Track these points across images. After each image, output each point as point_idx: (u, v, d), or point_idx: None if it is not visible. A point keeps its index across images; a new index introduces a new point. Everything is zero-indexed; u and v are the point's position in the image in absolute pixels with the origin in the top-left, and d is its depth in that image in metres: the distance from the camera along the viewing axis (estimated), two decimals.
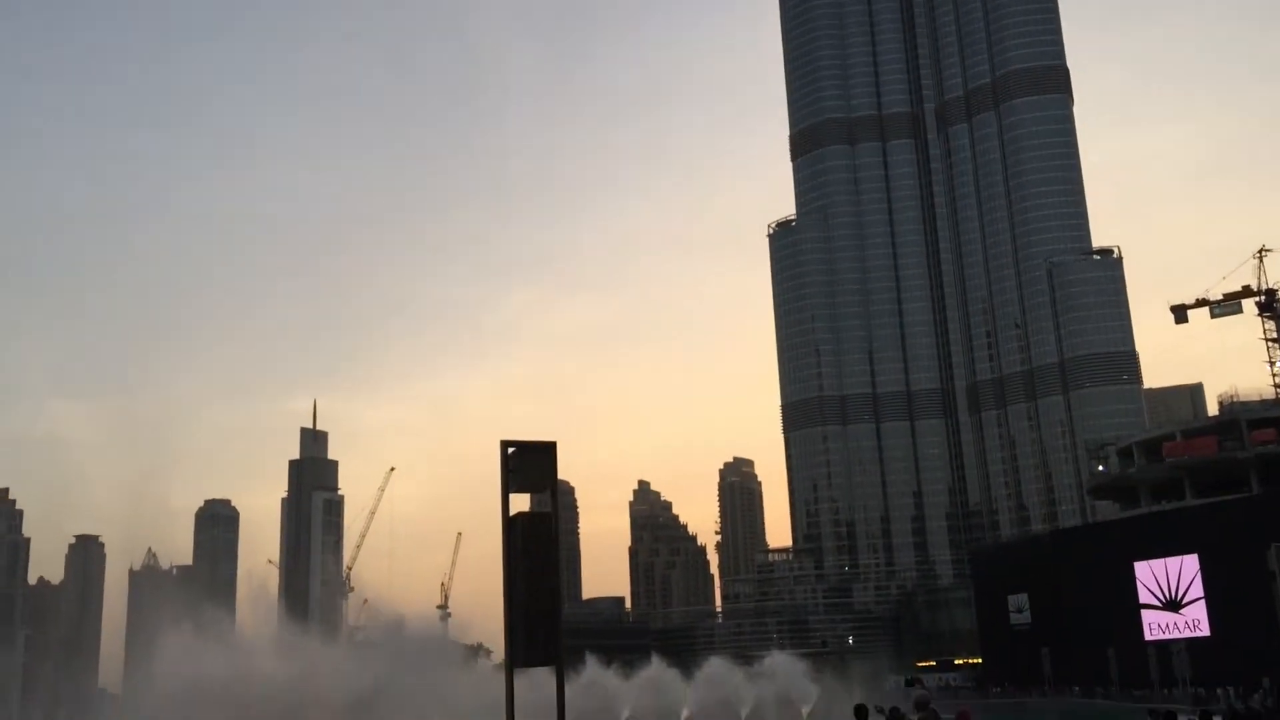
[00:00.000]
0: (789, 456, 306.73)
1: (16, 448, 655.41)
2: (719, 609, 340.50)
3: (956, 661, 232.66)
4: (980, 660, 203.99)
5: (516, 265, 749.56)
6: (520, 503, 22.00)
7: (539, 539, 19.91)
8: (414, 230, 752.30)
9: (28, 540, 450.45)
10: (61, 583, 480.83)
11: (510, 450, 20.43)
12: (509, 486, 20.31)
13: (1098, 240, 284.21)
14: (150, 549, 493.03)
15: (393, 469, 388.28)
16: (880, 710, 19.31)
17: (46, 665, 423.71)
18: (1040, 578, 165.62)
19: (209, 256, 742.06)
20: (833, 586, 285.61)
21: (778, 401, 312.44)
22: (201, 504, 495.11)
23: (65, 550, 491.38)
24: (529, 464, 20.36)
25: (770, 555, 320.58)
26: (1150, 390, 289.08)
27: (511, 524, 19.98)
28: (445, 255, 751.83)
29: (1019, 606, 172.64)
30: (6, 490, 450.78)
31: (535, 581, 19.56)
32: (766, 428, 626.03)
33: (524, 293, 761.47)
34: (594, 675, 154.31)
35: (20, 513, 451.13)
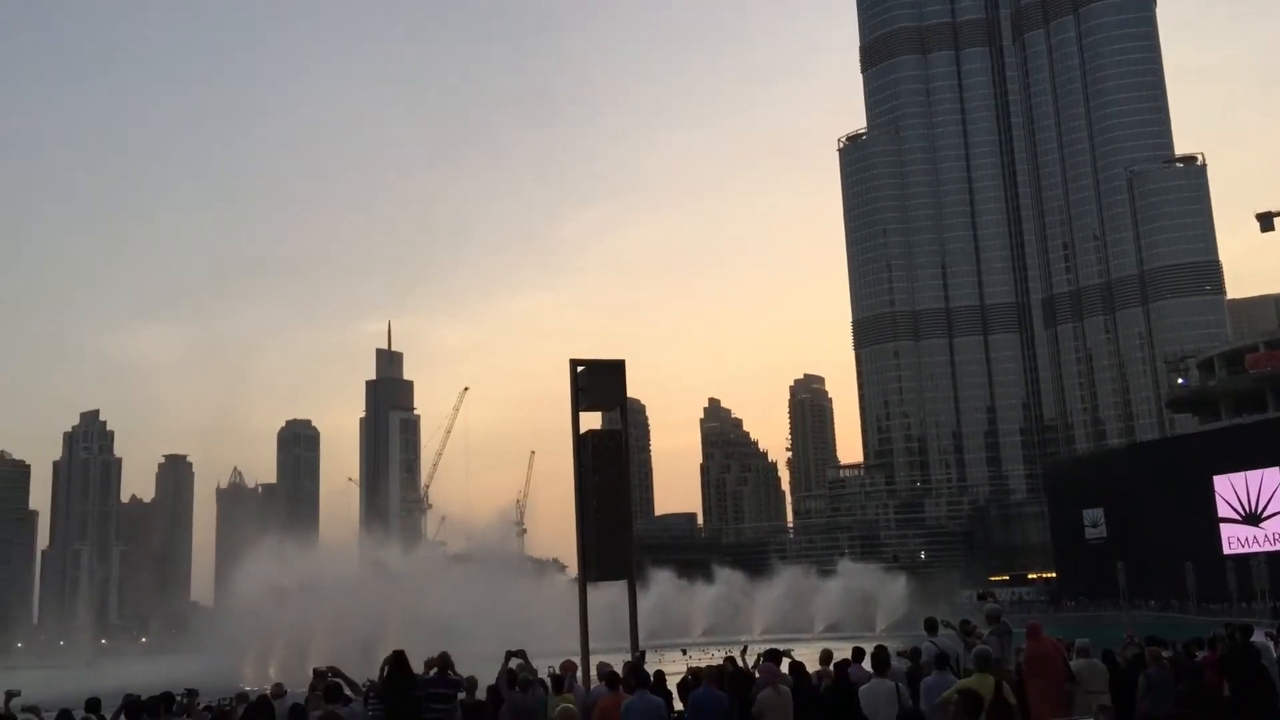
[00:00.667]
0: (860, 373, 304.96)
1: (105, 371, 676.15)
2: (790, 524, 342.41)
3: (1030, 576, 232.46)
4: (1054, 574, 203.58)
5: (586, 184, 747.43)
6: (591, 420, 22.34)
7: (609, 456, 20.26)
8: (484, 152, 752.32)
9: (119, 460, 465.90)
10: (153, 501, 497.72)
11: (579, 369, 20.70)
12: (579, 405, 20.63)
13: (1180, 147, 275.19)
14: (236, 468, 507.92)
15: (466, 388, 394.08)
16: (949, 624, 19.41)
17: (141, 579, 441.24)
18: (1116, 492, 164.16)
19: (285, 182, 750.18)
20: (904, 502, 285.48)
21: (848, 317, 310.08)
22: (283, 424, 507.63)
23: (155, 470, 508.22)
24: (598, 382, 20.63)
25: (841, 471, 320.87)
26: (1233, 301, 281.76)
27: (582, 442, 20.32)
28: (516, 176, 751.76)
29: (1094, 521, 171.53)
30: (97, 412, 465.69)
31: (606, 498, 19.94)
32: (837, 344, 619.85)
33: (594, 212, 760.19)
34: (667, 589, 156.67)
35: (111, 434, 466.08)
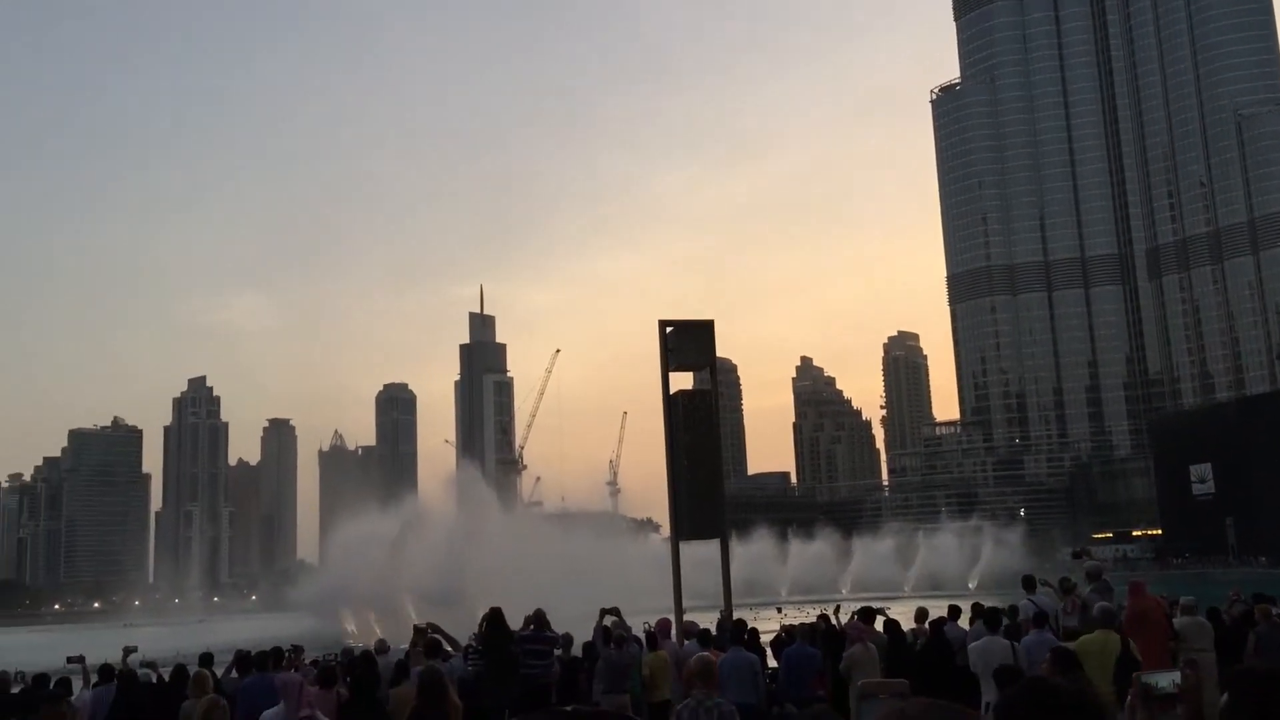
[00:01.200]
0: (956, 328, 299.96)
1: (209, 338, 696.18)
2: (885, 482, 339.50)
3: (1134, 533, 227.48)
4: (1159, 531, 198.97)
5: (673, 143, 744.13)
6: (681, 381, 22.37)
7: (699, 416, 20.29)
8: (574, 112, 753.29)
9: (226, 425, 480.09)
10: (258, 463, 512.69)
11: (668, 329, 20.71)
12: (668, 365, 20.67)
13: None
14: (337, 431, 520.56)
15: (558, 350, 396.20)
16: (1047, 582, 19.11)
17: (250, 538, 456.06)
18: (1225, 446, 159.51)
19: (376, 148, 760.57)
20: (1002, 459, 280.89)
21: (943, 272, 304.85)
22: (380, 388, 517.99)
23: (260, 433, 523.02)
24: (687, 342, 20.64)
25: (937, 428, 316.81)
26: None
27: (672, 402, 20.38)
28: (606, 136, 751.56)
29: (1201, 476, 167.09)
30: (204, 378, 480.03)
31: (697, 457, 20.00)
32: (931, 299, 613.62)
33: (682, 170, 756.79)
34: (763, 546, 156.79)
35: (218, 399, 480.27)
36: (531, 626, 17.36)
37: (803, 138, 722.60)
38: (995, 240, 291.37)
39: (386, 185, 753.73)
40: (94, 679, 16.92)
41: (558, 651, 17.40)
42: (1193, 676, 11.54)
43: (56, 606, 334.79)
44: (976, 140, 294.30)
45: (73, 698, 14.38)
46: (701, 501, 19.87)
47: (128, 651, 17.58)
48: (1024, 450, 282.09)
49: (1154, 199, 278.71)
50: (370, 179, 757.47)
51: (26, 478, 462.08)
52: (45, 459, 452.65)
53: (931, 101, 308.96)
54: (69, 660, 18.84)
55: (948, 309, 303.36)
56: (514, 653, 16.44)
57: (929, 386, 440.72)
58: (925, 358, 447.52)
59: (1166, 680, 3.26)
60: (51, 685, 15.39)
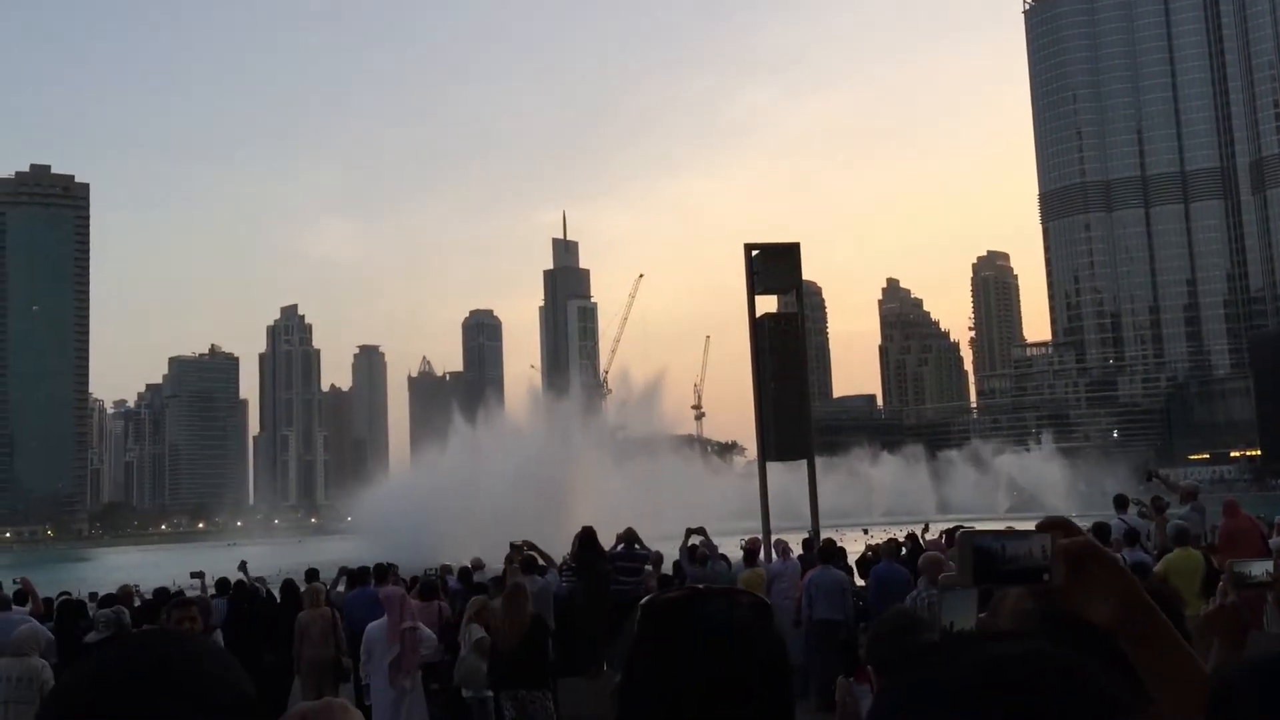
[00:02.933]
0: (1048, 247, 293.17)
1: (300, 266, 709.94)
2: (974, 405, 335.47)
3: (1232, 454, 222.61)
4: (1258, 452, 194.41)
5: (757, 63, 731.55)
6: (767, 304, 22.39)
7: (785, 339, 20.35)
8: (654, 34, 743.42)
9: (318, 351, 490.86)
10: (350, 389, 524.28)
11: (754, 253, 20.71)
12: (754, 289, 20.70)
13: None
14: (425, 357, 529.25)
15: (641, 275, 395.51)
16: (1140, 502, 18.98)
17: (343, 462, 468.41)
18: None
19: (459, 76, 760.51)
20: (1095, 380, 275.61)
21: (1035, 189, 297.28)
22: (467, 314, 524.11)
23: (350, 360, 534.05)
24: (773, 266, 20.62)
25: (1028, 349, 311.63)
26: None
27: (758, 325, 20.45)
28: (686, 57, 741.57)
29: None
30: (295, 306, 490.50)
31: (783, 380, 20.11)
32: (1023, 217, 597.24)
33: (766, 91, 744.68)
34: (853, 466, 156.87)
35: (309, 326, 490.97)
36: (622, 545, 17.83)
37: (889, 54, 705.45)
38: (1090, 155, 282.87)
39: (469, 112, 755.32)
40: (212, 592, 17.85)
41: (648, 568, 17.84)
42: None
43: (163, 527, 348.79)
44: (1071, 51, 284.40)
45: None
46: (788, 423, 20.01)
47: (242, 564, 18.51)
48: (1118, 371, 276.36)
49: (1259, 109, 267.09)
50: (453, 106, 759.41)
51: (131, 404, 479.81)
52: (148, 385, 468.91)
53: (1024, 11, 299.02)
54: (191, 575, 19.96)
55: (1039, 227, 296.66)
56: (606, 570, 16.93)
57: (1019, 307, 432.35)
58: (1015, 278, 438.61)
59: (1260, 569, 3.27)
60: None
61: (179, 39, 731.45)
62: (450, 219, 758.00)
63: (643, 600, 1.78)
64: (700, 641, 1.60)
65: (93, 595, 21.85)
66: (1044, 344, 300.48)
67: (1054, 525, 1.85)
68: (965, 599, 2.23)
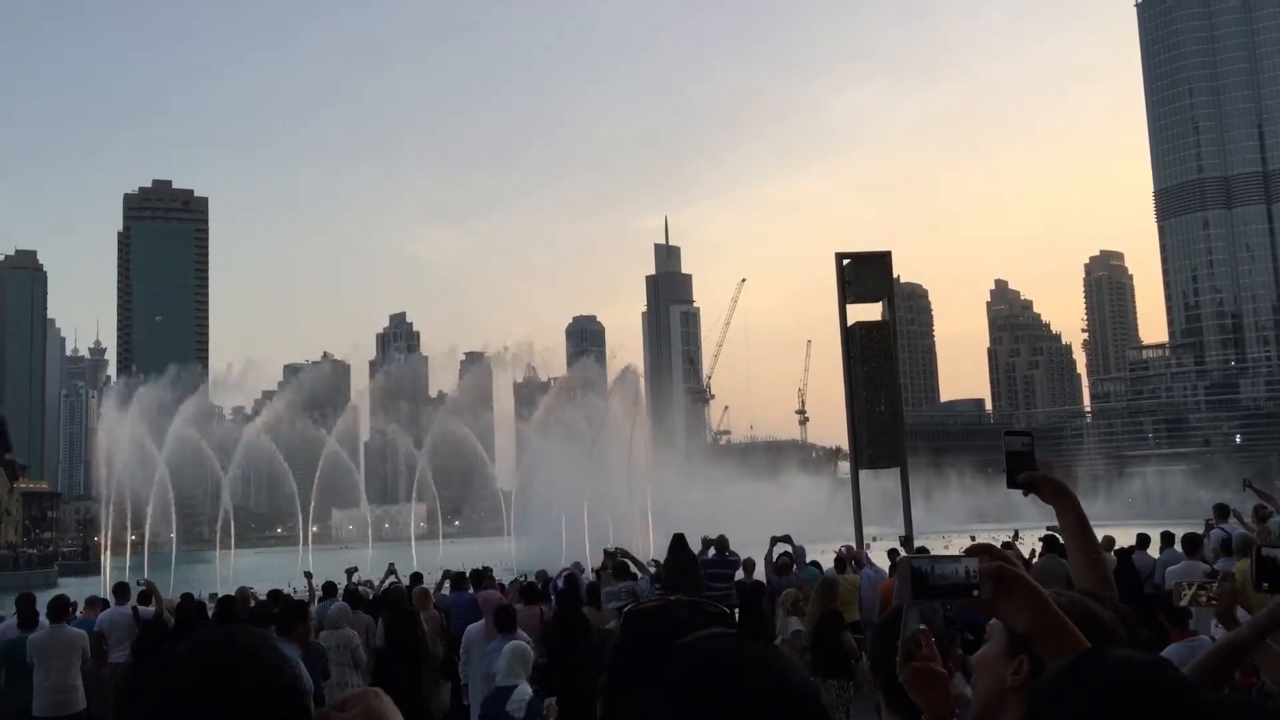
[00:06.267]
0: (1164, 246, 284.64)
1: (407, 273, 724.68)
2: (1087, 409, 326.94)
3: None
4: None
5: (858, 61, 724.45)
6: (866, 310, 22.48)
7: (877, 347, 20.50)
8: (753, 36, 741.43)
9: (425, 358, 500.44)
10: (456, 394, 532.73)
11: (845, 261, 20.90)
12: (846, 297, 20.89)
13: None
14: (529, 363, 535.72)
15: (744, 280, 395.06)
16: (1254, 508, 18.59)
17: (451, 466, 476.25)
18: None
19: (561, 80, 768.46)
20: (1215, 382, 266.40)
21: (1150, 187, 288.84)
22: (570, 320, 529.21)
23: (457, 366, 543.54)
24: (864, 274, 20.79)
25: (1144, 352, 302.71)
26: None
27: (849, 334, 20.63)
28: (788, 58, 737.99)
29: None
30: (404, 313, 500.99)
31: (875, 388, 20.26)
32: (1137, 216, 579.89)
33: (867, 89, 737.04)
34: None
35: (417, 334, 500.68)
36: (713, 550, 18.17)
37: (995, 49, 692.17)
38: (1208, 151, 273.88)
39: (571, 117, 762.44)
40: (319, 594, 18.70)
41: (739, 575, 18.14)
42: None
43: (279, 530, 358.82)
44: (1187, 44, 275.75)
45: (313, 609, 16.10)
46: (880, 431, 20.14)
47: (350, 571, 19.37)
48: (1239, 373, 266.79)
49: None
50: (554, 112, 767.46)
51: (248, 410, 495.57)
52: (264, 392, 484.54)
53: (1137, 4, 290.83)
54: (306, 575, 21.10)
55: (1155, 225, 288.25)
56: (697, 576, 17.28)
57: (1134, 308, 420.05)
58: (1130, 278, 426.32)
59: None
60: (288, 600, 17.26)
61: (288, 58, 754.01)
62: (553, 225, 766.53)
63: (625, 608, 2.12)
64: (668, 645, 1.79)
65: (212, 596, 23.06)
66: (1160, 345, 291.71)
67: (981, 550, 2.39)
68: (933, 609, 2.50)
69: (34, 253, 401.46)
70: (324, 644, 13.28)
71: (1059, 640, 2.28)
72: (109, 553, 70.28)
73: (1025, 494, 3.33)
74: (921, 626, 2.34)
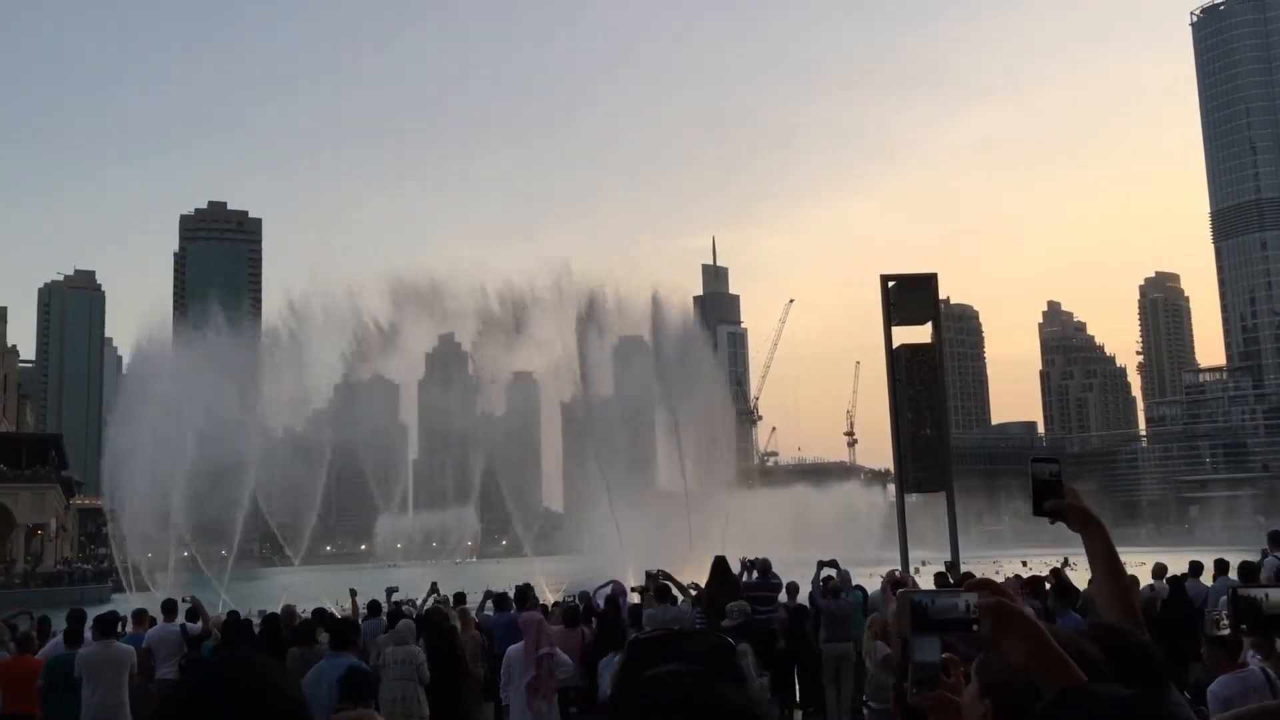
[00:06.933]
0: (1221, 267, 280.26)
1: (455, 294, 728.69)
2: (1142, 433, 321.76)
3: None
4: None
5: (906, 81, 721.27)
6: (913, 333, 22.32)
7: (923, 369, 20.33)
8: (799, 57, 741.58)
9: (474, 379, 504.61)
10: (504, 415, 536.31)
11: (890, 284, 20.76)
12: (891, 319, 20.75)
13: None
14: (577, 382, 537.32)
15: (791, 300, 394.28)
16: None
17: (499, 486, 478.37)
18: None
19: (606, 104, 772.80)
20: (1274, 406, 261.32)
21: (1206, 208, 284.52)
22: (617, 341, 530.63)
23: (505, 387, 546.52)
24: (910, 296, 20.65)
25: (1200, 375, 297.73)
26: None
27: (895, 356, 20.48)
28: (835, 78, 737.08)
29: None
30: (452, 334, 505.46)
31: (921, 411, 20.08)
32: (1193, 237, 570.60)
33: (915, 110, 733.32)
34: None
35: (465, 355, 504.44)
36: (755, 574, 18.05)
37: (1046, 69, 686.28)
38: (1266, 171, 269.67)
39: (617, 137, 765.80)
40: (364, 613, 18.82)
41: (783, 599, 18.00)
42: None
43: (328, 548, 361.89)
44: (1243, 63, 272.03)
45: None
46: (926, 455, 19.96)
47: (390, 592, 19.50)
48: None
49: None
50: (602, 132, 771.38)
51: (299, 429, 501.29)
52: (315, 411, 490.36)
53: (1192, 24, 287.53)
54: (351, 592, 21.26)
55: (1211, 247, 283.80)
56: (739, 599, 17.15)
57: (1191, 330, 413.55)
58: (1187, 299, 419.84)
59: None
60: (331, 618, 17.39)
61: (339, 81, 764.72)
62: (599, 245, 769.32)
63: (631, 638, 2.24)
64: (673, 676, 1.83)
65: (261, 613, 23.29)
66: (1218, 369, 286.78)
67: (980, 585, 2.44)
68: (933, 641, 2.51)
69: (92, 273, 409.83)
70: (390, 660, 13.60)
71: (1057, 675, 2.31)
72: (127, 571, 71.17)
73: (1052, 522, 3.30)
74: (946, 655, 2.41)
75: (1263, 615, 3.18)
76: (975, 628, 2.29)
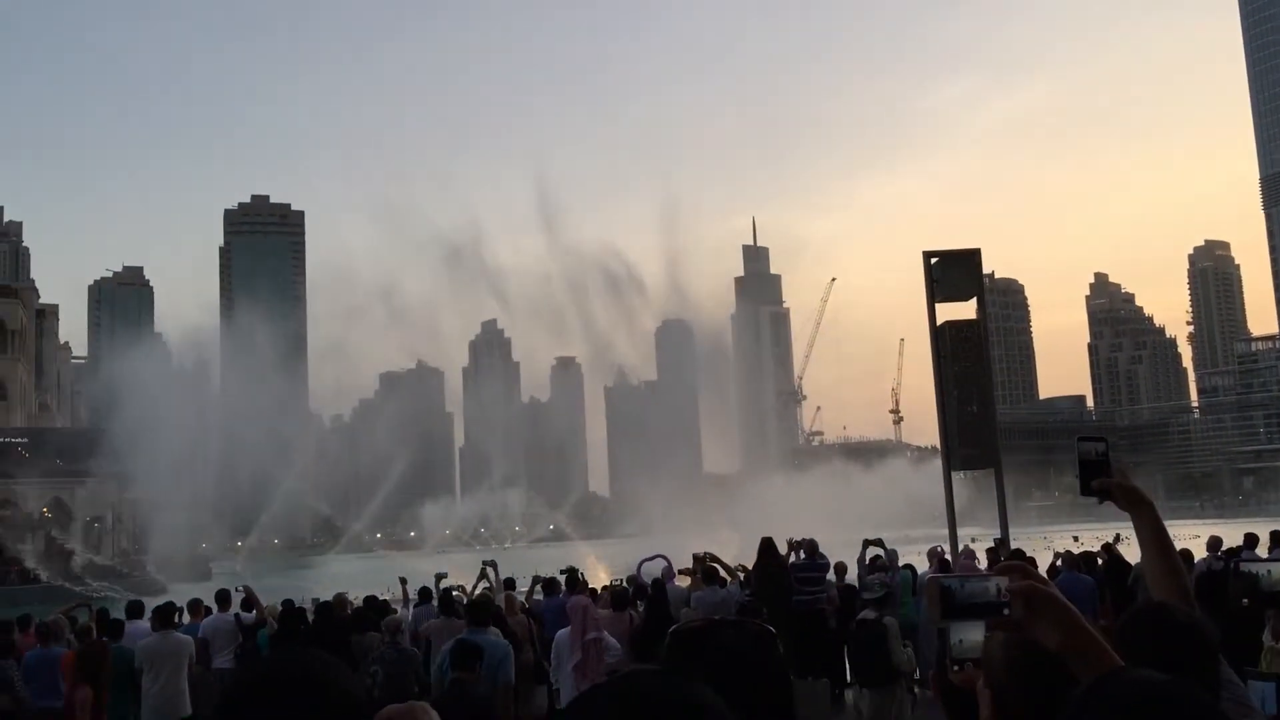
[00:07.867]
0: (1271, 233, 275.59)
1: (498, 279, 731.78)
2: (1194, 404, 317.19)
3: None
4: None
5: (948, 57, 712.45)
6: (956, 309, 22.08)
7: (968, 346, 20.11)
8: (838, 34, 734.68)
9: (517, 365, 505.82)
10: (549, 400, 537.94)
11: (933, 260, 20.55)
12: (934, 296, 20.54)
13: None
14: (620, 367, 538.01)
15: (834, 279, 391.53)
16: None
17: (544, 471, 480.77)
18: None
19: (645, 86, 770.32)
20: None
21: (1256, 174, 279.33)
22: (659, 323, 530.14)
23: (549, 372, 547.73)
24: (953, 272, 20.42)
25: (1253, 344, 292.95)
26: None
27: (939, 333, 20.28)
28: (873, 57, 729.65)
29: None
30: (495, 320, 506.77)
31: (966, 388, 19.89)
32: (1243, 204, 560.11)
33: (959, 84, 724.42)
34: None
35: (508, 341, 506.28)
36: (802, 555, 18.04)
37: (1088, 40, 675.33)
38: None
39: (657, 118, 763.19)
40: (414, 600, 19.01)
41: (830, 578, 17.98)
42: None
43: (378, 535, 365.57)
44: None
45: (398, 614, 16.41)
46: (972, 431, 19.79)
47: (439, 577, 19.62)
48: None
49: None
50: (641, 113, 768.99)
51: (346, 418, 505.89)
52: (360, 400, 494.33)
53: None
54: (401, 580, 21.43)
55: (1262, 213, 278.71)
56: (787, 581, 17.16)
57: (1242, 299, 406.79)
58: (1237, 267, 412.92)
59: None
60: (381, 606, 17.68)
61: (379, 71, 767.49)
62: (640, 227, 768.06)
63: (671, 629, 2.23)
64: (714, 665, 1.89)
65: (314, 601, 23.59)
66: (1271, 337, 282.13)
67: (1012, 569, 2.39)
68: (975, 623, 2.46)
69: (140, 269, 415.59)
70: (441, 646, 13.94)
71: (1091, 659, 2.26)
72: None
73: (1100, 502, 3.28)
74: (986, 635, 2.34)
75: (1261, 591, 3.23)
76: (1006, 612, 2.27)
